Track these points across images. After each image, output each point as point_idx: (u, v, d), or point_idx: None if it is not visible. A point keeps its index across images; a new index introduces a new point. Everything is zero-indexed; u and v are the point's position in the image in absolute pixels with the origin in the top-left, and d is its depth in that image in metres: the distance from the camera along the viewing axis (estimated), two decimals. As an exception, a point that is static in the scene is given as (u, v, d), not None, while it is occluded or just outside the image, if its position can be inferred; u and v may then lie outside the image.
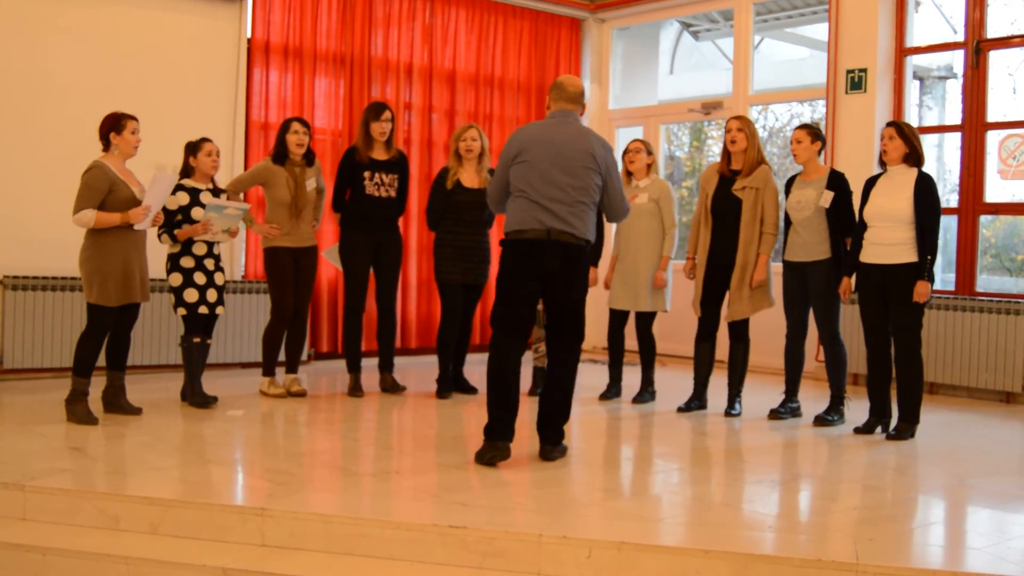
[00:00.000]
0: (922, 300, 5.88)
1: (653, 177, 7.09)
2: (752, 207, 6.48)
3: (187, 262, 6.38)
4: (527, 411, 5.81)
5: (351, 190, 7.03)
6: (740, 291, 6.52)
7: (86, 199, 5.73)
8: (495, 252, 7.35)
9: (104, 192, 5.76)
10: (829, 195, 6.26)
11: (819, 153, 6.47)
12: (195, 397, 6.44)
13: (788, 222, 6.51)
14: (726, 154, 6.65)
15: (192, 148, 6.45)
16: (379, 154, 7.03)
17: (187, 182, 6.43)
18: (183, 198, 6.35)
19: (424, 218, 7.67)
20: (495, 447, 5.05)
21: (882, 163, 6.13)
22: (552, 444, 5.20)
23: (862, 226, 6.11)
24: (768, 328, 8.00)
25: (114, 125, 5.90)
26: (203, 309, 6.41)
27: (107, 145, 5.91)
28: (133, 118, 5.94)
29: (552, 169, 5.05)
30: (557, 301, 5.15)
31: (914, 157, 5.99)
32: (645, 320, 7.10)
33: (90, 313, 5.88)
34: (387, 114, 7.00)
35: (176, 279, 6.38)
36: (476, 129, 7.11)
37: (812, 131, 6.42)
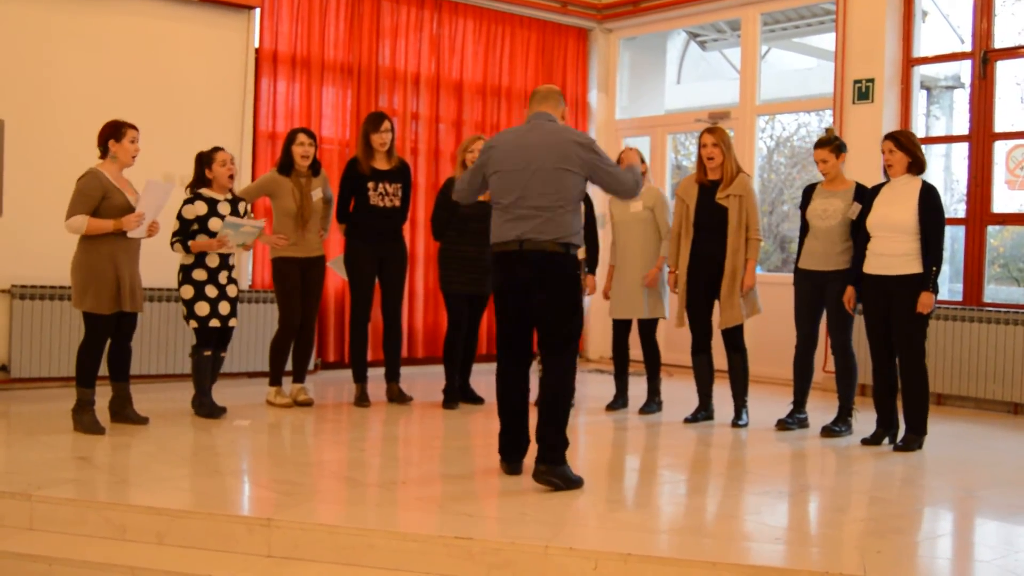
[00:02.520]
0: (926, 311, 5.87)
1: (647, 185, 7.09)
2: (738, 214, 6.50)
3: (199, 274, 6.37)
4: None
5: (355, 201, 7.04)
6: (731, 298, 6.52)
7: (79, 205, 5.74)
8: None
9: (97, 199, 5.76)
10: (857, 207, 6.24)
11: (842, 165, 6.46)
12: (202, 408, 6.45)
13: (805, 231, 6.50)
14: (701, 165, 6.66)
15: (206, 159, 6.44)
16: (381, 164, 7.04)
17: (205, 192, 6.42)
18: (201, 208, 6.35)
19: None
20: (506, 463, 5.09)
21: (887, 174, 6.13)
22: (546, 463, 4.81)
23: (865, 236, 6.10)
24: (776, 338, 7.99)
25: (113, 132, 5.89)
26: (215, 323, 6.40)
27: (105, 152, 5.91)
28: (133, 127, 5.93)
29: (523, 177, 4.91)
30: (539, 309, 4.97)
31: (917, 165, 5.97)
32: (648, 328, 7.10)
33: (86, 322, 5.88)
34: (386, 124, 7.01)
35: (188, 291, 6.37)
36: (483, 141, 7.10)
37: (834, 146, 6.39)
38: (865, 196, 6.28)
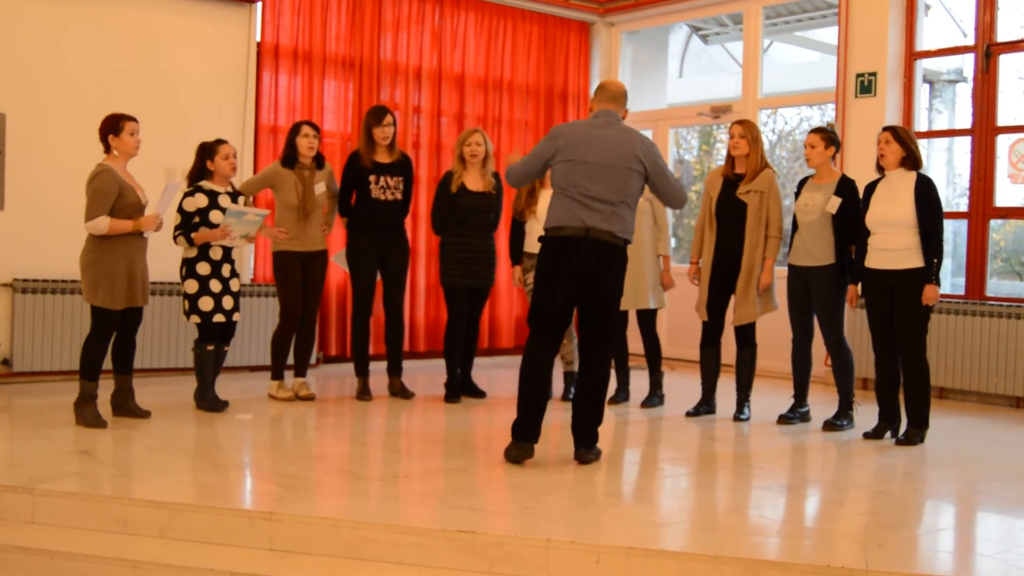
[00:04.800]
0: (930, 303, 5.87)
1: None
2: (757, 211, 6.47)
3: (203, 268, 6.36)
4: (553, 415, 5.72)
5: (357, 194, 7.03)
6: (746, 295, 6.51)
7: (100, 206, 5.72)
8: (500, 255, 7.36)
9: (114, 197, 5.75)
10: (836, 201, 6.24)
11: (833, 157, 6.44)
12: (203, 402, 6.45)
13: (795, 225, 6.49)
14: (730, 158, 6.64)
15: (208, 151, 6.40)
16: (383, 157, 7.03)
17: (205, 184, 6.40)
18: (201, 200, 6.33)
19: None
20: (519, 447, 5.14)
21: (879, 168, 6.11)
22: (587, 447, 5.22)
23: (865, 232, 6.09)
24: (776, 332, 7.99)
25: (112, 127, 5.86)
26: (219, 317, 6.40)
27: (107, 147, 5.90)
28: (131, 119, 5.91)
29: (596, 169, 5.09)
30: (591, 300, 5.15)
31: (911, 160, 5.96)
32: (647, 319, 7.08)
33: (94, 316, 5.88)
34: (389, 118, 7.00)
35: (192, 286, 6.36)
36: (481, 134, 7.11)
37: (826, 136, 6.39)
38: (852, 191, 6.27)
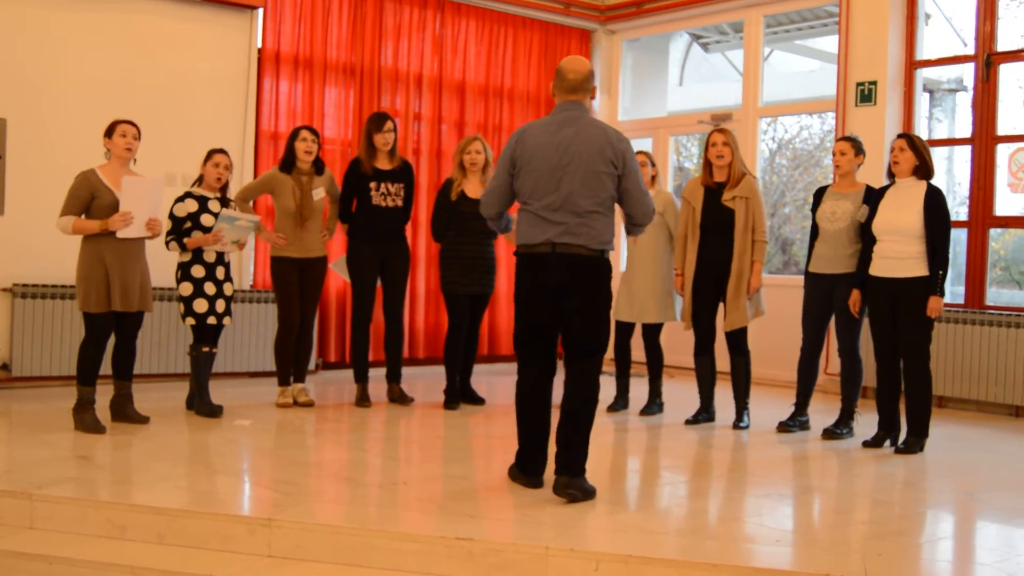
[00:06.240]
0: (934, 315, 5.86)
1: (657, 188, 7.09)
2: (744, 216, 6.49)
3: (198, 271, 6.39)
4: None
5: (358, 201, 7.04)
6: (737, 300, 6.52)
7: (67, 206, 5.82)
8: (501, 262, 7.36)
9: (86, 199, 5.82)
10: (866, 209, 6.23)
11: (858, 167, 6.46)
12: (202, 407, 6.45)
13: (815, 234, 6.49)
14: (707, 167, 6.66)
15: (206, 156, 6.48)
16: (383, 164, 7.04)
17: (196, 190, 6.45)
18: (192, 205, 6.37)
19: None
20: (528, 482, 4.83)
21: (890, 174, 6.12)
22: (569, 473, 4.61)
23: (871, 239, 6.09)
24: (778, 341, 7.98)
25: (107, 131, 5.96)
26: (211, 320, 6.43)
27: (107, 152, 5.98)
28: (125, 122, 5.97)
29: (558, 178, 4.61)
30: (569, 315, 4.70)
31: (924, 170, 5.97)
32: (652, 331, 7.09)
33: (84, 321, 5.91)
34: (389, 124, 7.01)
35: (186, 288, 6.39)
36: (480, 141, 7.12)
37: (855, 144, 6.42)
38: (871, 199, 6.28)
